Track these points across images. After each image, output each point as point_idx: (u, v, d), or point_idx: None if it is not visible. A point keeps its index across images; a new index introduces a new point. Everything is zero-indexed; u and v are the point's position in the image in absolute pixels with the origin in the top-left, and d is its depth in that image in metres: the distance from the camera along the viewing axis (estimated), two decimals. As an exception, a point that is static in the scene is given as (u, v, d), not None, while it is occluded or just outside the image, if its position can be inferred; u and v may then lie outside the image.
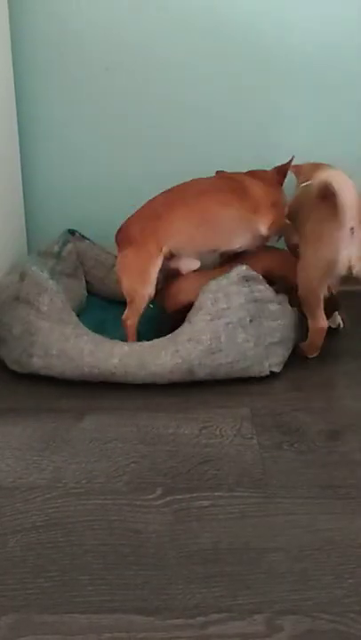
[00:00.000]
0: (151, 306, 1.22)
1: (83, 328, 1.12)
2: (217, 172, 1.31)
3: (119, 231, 1.20)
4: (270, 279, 1.18)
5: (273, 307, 1.13)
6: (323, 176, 1.09)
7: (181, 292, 1.20)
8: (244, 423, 1.01)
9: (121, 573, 0.73)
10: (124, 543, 0.77)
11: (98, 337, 1.10)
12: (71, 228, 1.40)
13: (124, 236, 1.19)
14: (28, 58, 1.40)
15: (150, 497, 0.84)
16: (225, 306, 1.10)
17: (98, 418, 1.02)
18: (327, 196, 1.07)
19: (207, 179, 1.27)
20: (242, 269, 1.13)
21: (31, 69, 1.42)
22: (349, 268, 1.09)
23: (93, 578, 0.72)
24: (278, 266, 1.24)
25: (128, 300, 1.17)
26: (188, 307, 1.15)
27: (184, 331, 1.10)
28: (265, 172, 1.30)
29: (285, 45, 1.39)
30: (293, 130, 1.45)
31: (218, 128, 1.45)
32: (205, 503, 0.83)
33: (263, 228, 1.22)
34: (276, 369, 1.13)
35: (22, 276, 1.15)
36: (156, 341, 1.10)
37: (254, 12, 1.37)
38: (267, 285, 1.14)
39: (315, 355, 1.18)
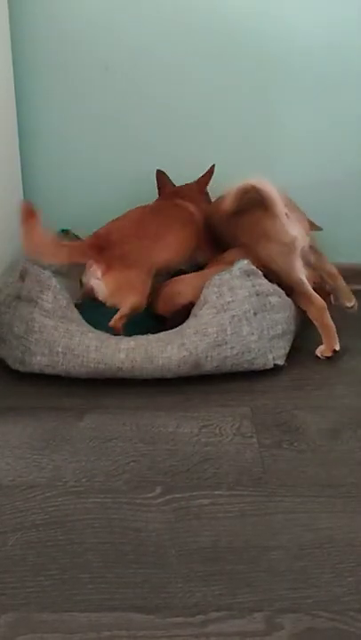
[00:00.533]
0: None
1: (86, 325, 1.12)
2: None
3: (107, 246, 1.16)
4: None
5: (274, 299, 1.14)
6: (240, 183, 1.16)
7: (179, 294, 1.20)
8: (243, 422, 1.01)
9: (121, 572, 0.73)
10: (124, 542, 0.77)
11: (102, 334, 1.10)
12: (71, 227, 1.40)
13: (121, 255, 1.16)
14: (28, 58, 1.40)
15: (150, 495, 0.85)
16: (230, 299, 1.11)
17: (98, 416, 1.02)
18: (246, 202, 1.16)
19: (164, 203, 1.34)
20: (243, 264, 1.14)
21: (31, 69, 1.42)
22: (303, 248, 1.20)
23: (93, 576, 0.72)
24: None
25: (126, 312, 1.15)
26: (188, 308, 1.15)
27: (190, 324, 1.11)
28: (189, 187, 1.38)
29: (285, 45, 1.39)
30: (293, 130, 1.45)
31: (217, 128, 1.45)
32: (205, 502, 0.83)
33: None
34: (280, 361, 1.14)
35: (22, 275, 1.15)
36: (161, 335, 1.11)
37: (254, 13, 1.37)
38: (266, 280, 1.15)
39: (338, 346, 1.18)
